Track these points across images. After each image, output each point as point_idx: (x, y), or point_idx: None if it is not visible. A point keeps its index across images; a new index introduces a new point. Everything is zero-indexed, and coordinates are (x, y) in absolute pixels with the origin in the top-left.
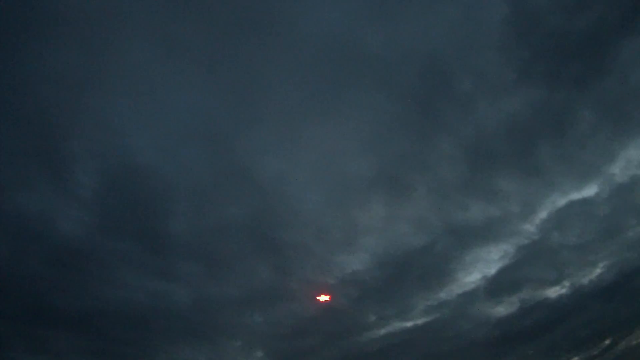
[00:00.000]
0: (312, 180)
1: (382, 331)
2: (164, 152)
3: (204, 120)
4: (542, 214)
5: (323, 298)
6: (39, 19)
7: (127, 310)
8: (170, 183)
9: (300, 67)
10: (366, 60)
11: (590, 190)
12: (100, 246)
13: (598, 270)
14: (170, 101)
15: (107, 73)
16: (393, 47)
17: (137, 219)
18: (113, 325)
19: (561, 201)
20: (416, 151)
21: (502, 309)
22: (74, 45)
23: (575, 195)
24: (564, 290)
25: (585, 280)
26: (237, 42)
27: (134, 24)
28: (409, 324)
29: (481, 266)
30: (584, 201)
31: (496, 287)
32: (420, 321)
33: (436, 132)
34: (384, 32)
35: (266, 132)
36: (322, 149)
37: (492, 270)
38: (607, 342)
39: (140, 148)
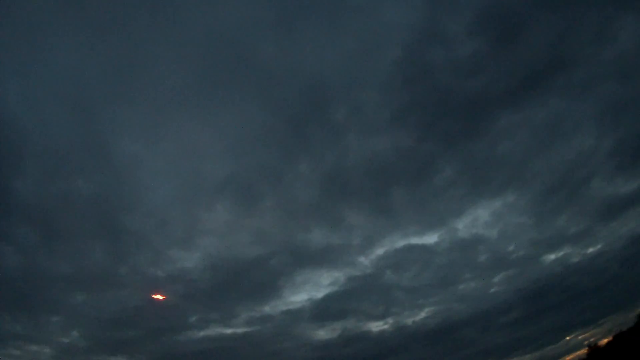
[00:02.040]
0: (165, 171)
1: (202, 333)
2: (27, 106)
3: (77, 85)
4: (380, 251)
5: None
6: None
7: None
8: (26, 139)
9: (186, 57)
10: (252, 68)
11: (431, 239)
12: None
13: (423, 314)
14: (49, 58)
15: None
16: (282, 61)
17: None
18: None
19: (400, 242)
20: (275, 166)
21: (324, 334)
22: None
23: (416, 240)
24: (387, 327)
25: (409, 321)
26: (131, 18)
27: None
28: (229, 330)
29: (310, 288)
30: (423, 247)
31: (321, 311)
32: (240, 330)
33: (299, 153)
34: (278, 44)
35: (135, 112)
36: (183, 143)
37: (320, 294)
38: None
39: (3, 96)
